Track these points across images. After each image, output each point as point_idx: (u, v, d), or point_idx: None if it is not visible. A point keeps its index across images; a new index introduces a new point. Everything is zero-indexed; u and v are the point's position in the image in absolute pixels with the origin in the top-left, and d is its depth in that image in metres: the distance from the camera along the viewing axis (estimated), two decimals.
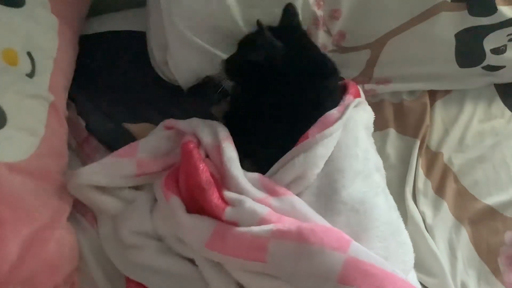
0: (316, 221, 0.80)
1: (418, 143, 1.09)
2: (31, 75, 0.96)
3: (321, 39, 1.11)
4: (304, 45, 1.00)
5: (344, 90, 1.01)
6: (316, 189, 0.86)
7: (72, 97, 1.09)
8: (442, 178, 1.06)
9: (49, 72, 1.01)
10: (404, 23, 1.11)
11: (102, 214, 0.94)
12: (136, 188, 0.96)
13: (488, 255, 0.97)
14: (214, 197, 0.83)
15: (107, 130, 1.06)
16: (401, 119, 1.16)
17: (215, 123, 0.95)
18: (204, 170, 0.86)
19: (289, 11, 1.00)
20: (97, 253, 0.91)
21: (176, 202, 0.86)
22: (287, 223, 0.77)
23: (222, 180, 0.88)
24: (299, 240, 0.74)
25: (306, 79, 0.94)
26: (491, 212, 1.01)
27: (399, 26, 1.11)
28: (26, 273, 0.81)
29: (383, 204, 0.86)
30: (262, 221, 0.79)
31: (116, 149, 0.96)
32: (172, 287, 0.84)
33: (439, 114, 1.17)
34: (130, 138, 1.04)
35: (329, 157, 0.88)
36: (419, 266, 0.91)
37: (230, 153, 0.89)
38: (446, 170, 1.08)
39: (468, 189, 1.05)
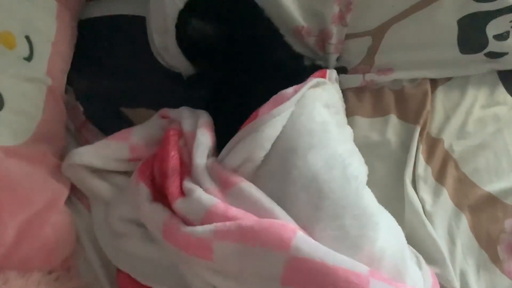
0: (268, 209, 0.78)
1: (418, 129, 1.08)
2: (28, 58, 0.96)
3: (337, 33, 1.11)
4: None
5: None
6: (270, 171, 0.83)
7: (70, 82, 1.09)
8: (443, 165, 1.05)
9: (47, 55, 1.01)
10: (406, 9, 1.09)
11: (95, 201, 0.94)
12: (130, 175, 0.95)
13: (488, 243, 0.96)
14: (173, 185, 0.83)
15: (105, 115, 1.06)
16: (402, 105, 1.14)
17: (201, 112, 0.94)
18: (174, 157, 0.86)
19: None
20: (93, 238, 0.92)
21: (141, 189, 0.86)
22: (228, 223, 0.75)
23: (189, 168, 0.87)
24: (239, 241, 0.73)
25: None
26: (492, 200, 1.00)
27: (400, 12, 1.10)
28: (22, 257, 0.81)
29: (338, 177, 0.81)
30: (207, 214, 0.78)
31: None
32: (159, 276, 0.84)
33: (440, 100, 1.16)
34: (127, 123, 1.04)
35: (282, 136, 0.84)
36: (418, 253, 0.90)
37: (200, 139, 0.88)
38: (446, 157, 1.07)
39: (469, 176, 1.04)
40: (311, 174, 0.80)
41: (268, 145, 0.83)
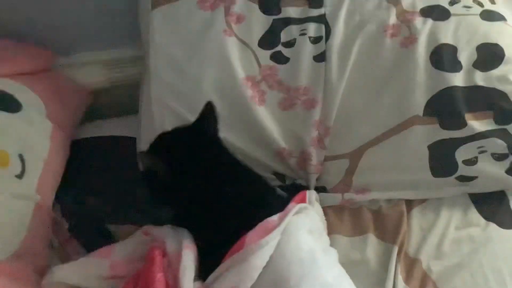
0: None
1: (396, 249, 1.10)
2: (20, 176, 0.99)
3: (316, 155, 1.18)
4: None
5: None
6: None
7: (57, 198, 1.11)
8: (422, 286, 1.06)
9: (39, 173, 1.04)
10: (380, 134, 1.17)
11: None
12: None
13: None
14: None
15: (90, 232, 1.07)
16: (380, 225, 1.17)
17: (184, 231, 0.95)
18: (160, 280, 0.85)
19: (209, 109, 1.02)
20: None
21: None
22: None
23: None
24: None
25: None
26: None
27: (374, 137, 1.17)
28: None
29: None
30: None
31: None
32: None
33: (417, 220, 1.19)
34: (111, 240, 1.04)
35: (271, 265, 0.83)
36: None
37: (187, 262, 0.88)
38: (425, 277, 1.07)
39: None
40: None
41: (255, 275, 0.83)
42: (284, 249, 0.85)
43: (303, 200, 0.99)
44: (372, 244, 1.14)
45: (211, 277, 0.87)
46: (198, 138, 1.00)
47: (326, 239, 1.01)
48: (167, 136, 1.02)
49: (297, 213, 0.93)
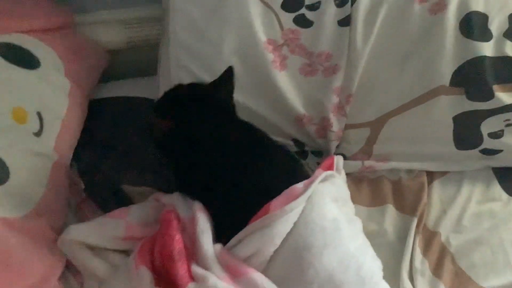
0: None
1: (415, 221, 1.09)
2: (38, 134, 0.99)
3: (337, 123, 1.16)
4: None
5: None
6: (283, 266, 0.83)
7: (75, 158, 1.11)
8: (440, 258, 1.05)
9: (56, 132, 1.04)
10: (404, 104, 1.14)
11: (89, 279, 0.93)
12: (126, 254, 0.95)
13: None
14: (181, 269, 0.82)
15: (105, 193, 1.07)
16: (399, 197, 1.16)
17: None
18: (178, 241, 0.85)
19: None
20: None
21: (144, 273, 0.84)
22: None
23: (194, 252, 0.86)
24: None
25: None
26: None
27: (398, 107, 1.15)
28: None
29: (353, 278, 0.81)
30: None
31: None
32: None
33: (437, 193, 1.17)
34: (127, 202, 1.05)
35: (294, 232, 0.83)
36: None
37: (204, 224, 0.88)
38: (443, 250, 1.06)
39: (466, 271, 1.03)
40: (327, 274, 0.80)
41: (278, 241, 0.83)
42: (308, 217, 0.85)
43: (330, 167, 0.98)
44: (390, 215, 1.12)
45: (232, 241, 0.86)
46: (212, 98, 0.99)
47: (351, 207, 1.00)
48: (182, 88, 1.01)
49: (323, 180, 0.92)
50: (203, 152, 0.94)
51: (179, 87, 1.02)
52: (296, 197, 0.86)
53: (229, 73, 1.01)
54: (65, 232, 0.93)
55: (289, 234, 0.83)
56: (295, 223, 0.84)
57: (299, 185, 0.89)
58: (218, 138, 0.95)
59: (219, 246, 0.86)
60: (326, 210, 0.88)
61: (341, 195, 0.96)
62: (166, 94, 1.02)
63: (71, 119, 1.09)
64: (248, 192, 0.89)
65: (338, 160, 1.03)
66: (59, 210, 0.99)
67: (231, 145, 0.95)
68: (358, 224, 0.95)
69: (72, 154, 1.10)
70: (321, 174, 0.92)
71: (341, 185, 0.99)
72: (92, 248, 0.93)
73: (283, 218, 0.83)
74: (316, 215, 0.86)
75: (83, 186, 1.08)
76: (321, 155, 1.23)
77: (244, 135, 0.98)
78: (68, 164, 1.07)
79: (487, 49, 1.12)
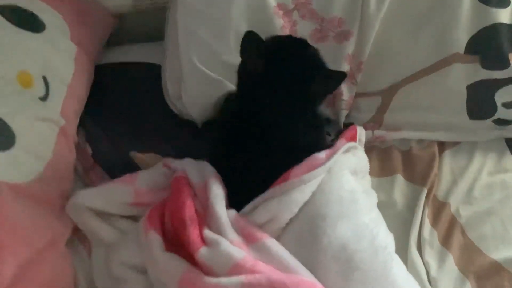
0: (293, 267, 0.77)
1: (425, 191, 1.08)
2: (44, 98, 0.98)
3: (348, 91, 1.14)
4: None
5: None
6: (297, 234, 0.83)
7: (82, 123, 1.10)
8: (449, 229, 1.04)
9: (62, 97, 1.03)
10: (416, 72, 1.12)
11: (97, 244, 0.93)
12: (134, 220, 0.95)
13: None
14: (193, 233, 0.81)
15: (113, 159, 1.06)
16: (409, 167, 1.15)
17: (203, 163, 0.94)
18: (190, 206, 0.85)
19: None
20: (91, 281, 0.90)
21: (153, 238, 0.84)
22: (258, 275, 0.74)
23: (206, 218, 0.85)
24: None
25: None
26: (498, 268, 0.98)
27: (411, 75, 1.13)
28: None
29: (367, 248, 0.81)
30: (235, 267, 0.76)
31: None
32: None
33: (448, 164, 1.16)
34: (134, 168, 1.04)
35: (311, 201, 0.84)
36: None
37: (217, 190, 0.87)
38: (453, 221, 1.06)
39: (475, 242, 1.02)
40: (341, 243, 0.80)
41: (295, 209, 0.83)
42: (325, 187, 0.85)
43: (353, 138, 0.98)
44: (400, 185, 1.12)
45: (248, 207, 0.86)
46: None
47: (368, 180, 1.00)
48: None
49: (345, 152, 0.92)
50: (265, 106, 0.92)
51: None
52: (317, 166, 0.86)
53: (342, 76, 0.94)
54: (73, 197, 0.93)
55: (306, 203, 0.84)
56: (313, 193, 0.84)
57: (321, 155, 0.89)
58: (282, 99, 0.92)
59: (233, 211, 0.86)
60: (344, 181, 0.88)
61: (361, 168, 0.96)
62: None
63: (77, 84, 1.08)
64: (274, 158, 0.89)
65: (361, 131, 1.02)
66: (66, 176, 0.98)
67: (284, 107, 0.92)
68: (374, 197, 0.95)
69: (78, 120, 1.08)
70: (343, 145, 0.92)
71: (362, 157, 0.98)
72: (100, 214, 0.93)
73: (301, 187, 0.83)
74: (334, 186, 0.86)
75: (90, 152, 1.08)
76: (329, 123, 1.21)
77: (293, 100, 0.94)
78: (75, 130, 1.06)
79: (504, 16, 1.09)
